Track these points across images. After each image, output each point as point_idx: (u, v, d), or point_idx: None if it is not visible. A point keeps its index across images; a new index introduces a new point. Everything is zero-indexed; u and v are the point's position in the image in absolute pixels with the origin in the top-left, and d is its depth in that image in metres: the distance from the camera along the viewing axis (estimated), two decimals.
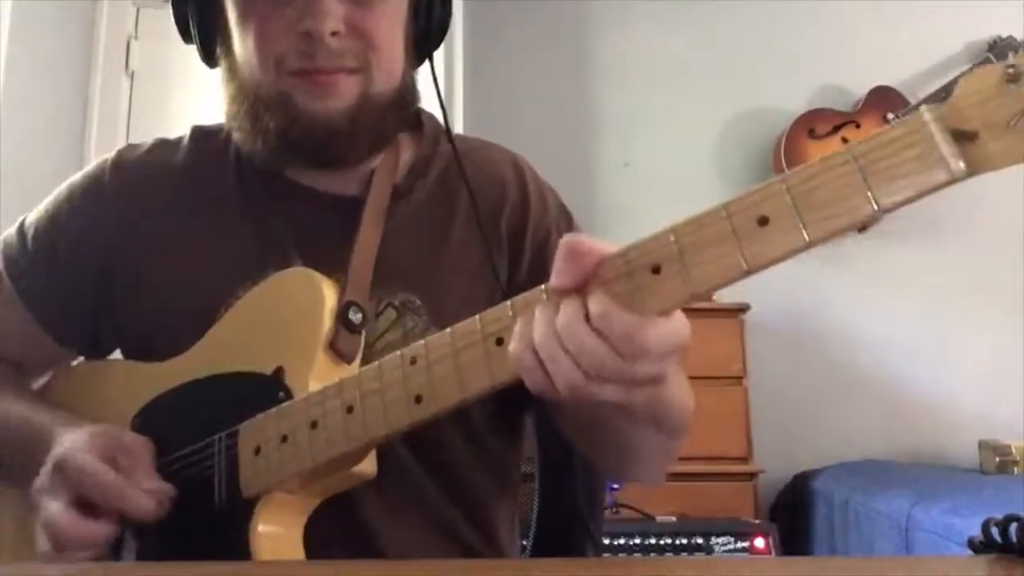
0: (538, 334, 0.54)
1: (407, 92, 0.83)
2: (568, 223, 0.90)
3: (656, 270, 0.53)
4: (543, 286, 0.56)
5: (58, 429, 0.73)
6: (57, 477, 0.67)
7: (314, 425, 0.64)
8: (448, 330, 0.60)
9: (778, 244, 0.50)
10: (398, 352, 0.62)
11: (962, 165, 0.46)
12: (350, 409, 0.63)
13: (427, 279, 0.80)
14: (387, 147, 0.85)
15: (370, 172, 0.84)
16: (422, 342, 0.61)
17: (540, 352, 0.53)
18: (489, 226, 0.83)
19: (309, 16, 0.73)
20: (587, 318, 0.52)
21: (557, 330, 0.53)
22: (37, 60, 2.44)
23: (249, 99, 0.79)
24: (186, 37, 0.83)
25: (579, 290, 0.54)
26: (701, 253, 0.51)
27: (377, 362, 0.63)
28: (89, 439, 0.68)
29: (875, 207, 0.48)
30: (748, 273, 0.51)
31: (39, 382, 0.89)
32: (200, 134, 0.91)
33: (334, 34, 0.74)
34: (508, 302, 0.58)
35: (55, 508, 0.66)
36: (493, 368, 0.57)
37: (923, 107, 0.48)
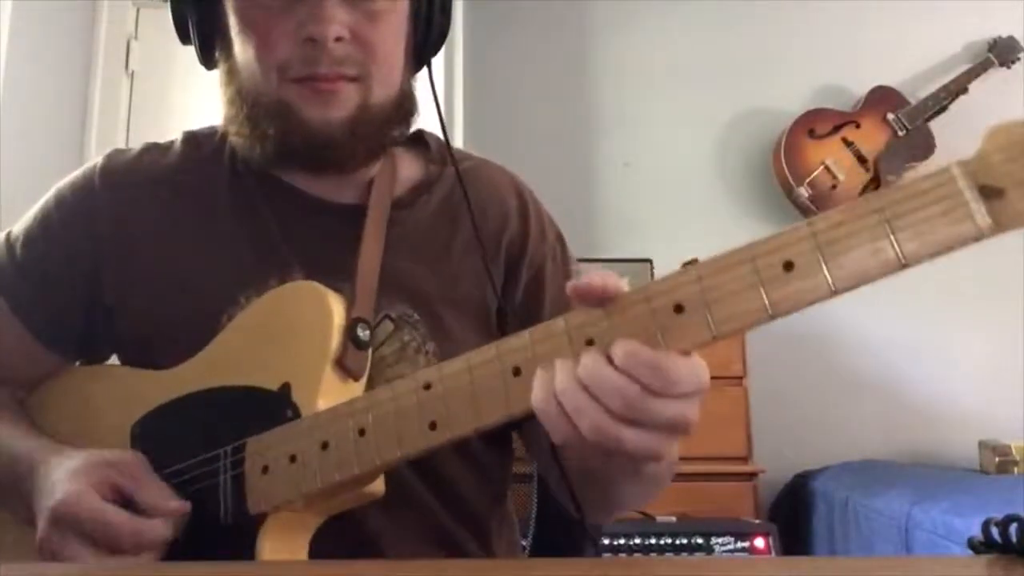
0: (559, 381, 0.53)
1: (405, 100, 0.83)
2: (563, 252, 0.90)
3: (679, 309, 0.52)
4: (563, 316, 0.56)
5: (43, 464, 0.71)
6: (59, 531, 0.64)
7: (325, 446, 0.63)
8: (463, 357, 0.59)
9: (803, 291, 0.49)
10: (411, 375, 0.61)
11: (989, 221, 0.46)
12: (362, 432, 0.62)
13: (426, 295, 0.80)
14: (384, 155, 0.84)
15: (368, 181, 0.84)
16: (436, 367, 0.60)
17: (562, 399, 0.52)
18: (490, 249, 0.82)
19: (313, 22, 0.73)
20: (610, 362, 0.52)
21: (579, 375, 0.52)
22: (37, 60, 2.44)
23: (248, 104, 0.79)
24: (184, 38, 0.83)
25: (600, 303, 0.54)
26: (725, 295, 0.51)
27: (390, 384, 0.62)
28: (78, 478, 0.66)
29: (901, 259, 0.47)
30: (772, 318, 0.50)
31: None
32: (192, 138, 0.90)
33: (338, 40, 0.74)
34: (527, 331, 0.57)
35: (73, 553, 0.64)
36: (510, 399, 0.56)
37: (952, 162, 0.47)
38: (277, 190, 0.84)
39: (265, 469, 0.66)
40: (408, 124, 0.84)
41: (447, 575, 0.59)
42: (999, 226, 0.46)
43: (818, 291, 0.49)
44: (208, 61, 0.83)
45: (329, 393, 0.68)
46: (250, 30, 0.77)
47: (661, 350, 0.51)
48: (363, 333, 0.71)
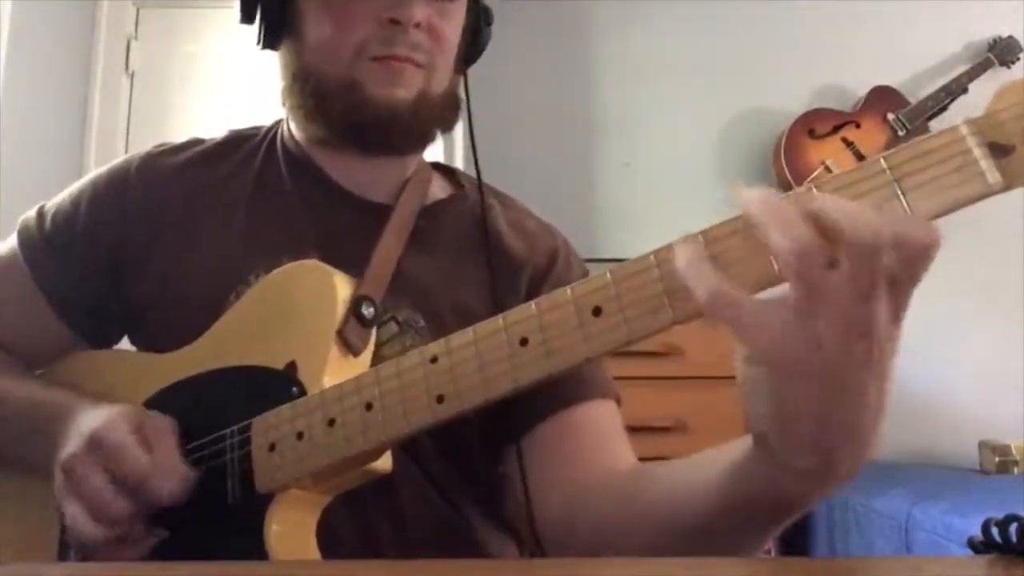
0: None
1: (453, 97, 0.88)
2: None
3: None
4: (569, 286, 0.55)
5: (78, 405, 0.72)
6: (94, 453, 0.65)
7: (331, 423, 0.63)
8: (469, 329, 0.59)
9: None
10: (417, 349, 0.61)
11: (999, 178, 0.46)
12: (369, 406, 0.62)
13: (437, 307, 0.81)
14: (429, 146, 0.89)
15: (401, 183, 0.87)
16: (443, 340, 0.60)
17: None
18: (508, 283, 0.84)
19: (399, 6, 0.78)
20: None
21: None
22: (37, 60, 2.44)
23: (312, 81, 0.83)
24: (249, 16, 0.85)
25: None
26: (736, 258, 0.50)
27: (396, 359, 0.62)
28: (120, 416, 0.67)
29: None
30: (782, 280, 0.48)
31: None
32: (234, 133, 0.94)
33: (417, 26, 0.79)
34: (532, 302, 0.57)
35: (97, 482, 0.64)
36: (517, 370, 0.56)
37: (961, 120, 0.47)
38: (310, 178, 0.87)
39: (272, 447, 0.66)
40: (453, 121, 0.89)
41: (447, 575, 0.59)
42: (1010, 182, 0.46)
43: None
44: (271, 39, 0.86)
45: (334, 371, 0.68)
46: (330, 10, 0.81)
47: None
48: (367, 311, 0.72)
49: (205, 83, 2.65)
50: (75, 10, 2.64)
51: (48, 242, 0.86)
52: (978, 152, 0.46)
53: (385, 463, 0.67)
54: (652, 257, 0.52)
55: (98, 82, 2.65)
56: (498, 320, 0.57)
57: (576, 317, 0.54)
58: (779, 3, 2.90)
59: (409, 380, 0.60)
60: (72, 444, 0.66)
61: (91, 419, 0.68)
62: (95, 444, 0.65)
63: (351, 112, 0.81)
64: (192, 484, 0.67)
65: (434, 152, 0.93)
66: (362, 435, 0.62)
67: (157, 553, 0.67)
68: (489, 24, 0.90)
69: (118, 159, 0.91)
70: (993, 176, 0.46)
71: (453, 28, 0.84)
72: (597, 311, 0.53)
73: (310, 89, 0.83)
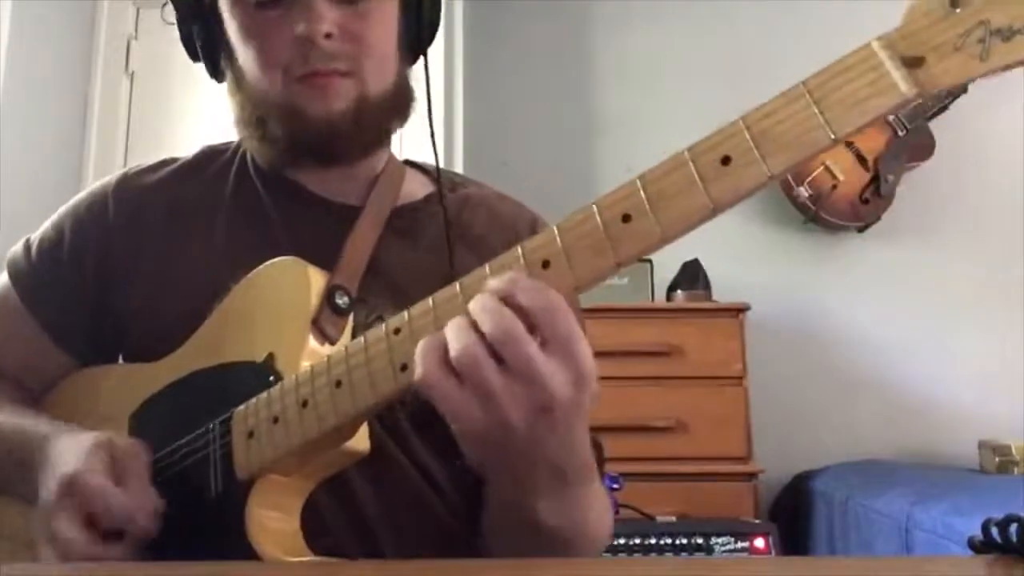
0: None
1: (401, 92, 0.86)
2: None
3: (627, 219, 0.54)
4: (519, 243, 0.57)
5: (52, 440, 0.73)
6: (67, 499, 0.66)
7: (304, 403, 0.65)
8: (429, 298, 0.61)
9: (742, 181, 0.52)
10: (382, 325, 0.63)
11: (912, 87, 0.50)
12: (339, 383, 0.63)
13: (418, 299, 0.82)
14: (388, 153, 0.88)
15: (373, 181, 0.88)
16: (404, 312, 0.62)
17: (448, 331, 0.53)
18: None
19: (303, 21, 0.77)
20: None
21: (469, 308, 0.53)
22: (37, 60, 2.44)
23: (256, 108, 0.83)
24: (193, 56, 0.88)
25: None
26: (669, 197, 0.54)
27: (362, 336, 0.64)
28: (90, 455, 0.68)
29: (831, 135, 0.51)
30: (716, 211, 0.53)
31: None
32: (207, 149, 0.95)
33: (328, 37, 0.78)
34: (485, 265, 0.59)
35: (70, 532, 0.65)
36: None
37: (873, 38, 0.51)
38: (282, 189, 0.88)
39: (251, 435, 0.67)
40: (406, 115, 0.88)
41: (445, 575, 0.59)
42: (921, 90, 0.50)
43: (757, 179, 0.52)
44: (217, 73, 0.88)
45: (311, 357, 0.69)
46: (251, 39, 0.81)
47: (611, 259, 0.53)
48: (341, 300, 0.73)
49: (205, 83, 2.64)
50: (75, 10, 2.65)
51: (37, 271, 0.88)
52: (890, 64, 0.50)
53: (361, 444, 0.68)
54: (593, 206, 0.55)
55: (98, 82, 2.65)
56: (454, 286, 0.59)
57: (526, 271, 0.56)
58: (779, 3, 2.90)
59: (374, 353, 0.62)
60: (50, 487, 0.67)
61: (66, 458, 0.68)
62: (67, 492, 0.66)
63: (294, 135, 0.82)
64: (164, 502, 0.67)
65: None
66: (333, 411, 0.63)
67: (144, 546, 0.68)
68: (435, 1, 0.87)
69: (95, 183, 0.93)
70: (906, 85, 0.49)
71: (373, 25, 0.81)
72: (546, 264, 0.56)
73: (255, 119, 0.84)
